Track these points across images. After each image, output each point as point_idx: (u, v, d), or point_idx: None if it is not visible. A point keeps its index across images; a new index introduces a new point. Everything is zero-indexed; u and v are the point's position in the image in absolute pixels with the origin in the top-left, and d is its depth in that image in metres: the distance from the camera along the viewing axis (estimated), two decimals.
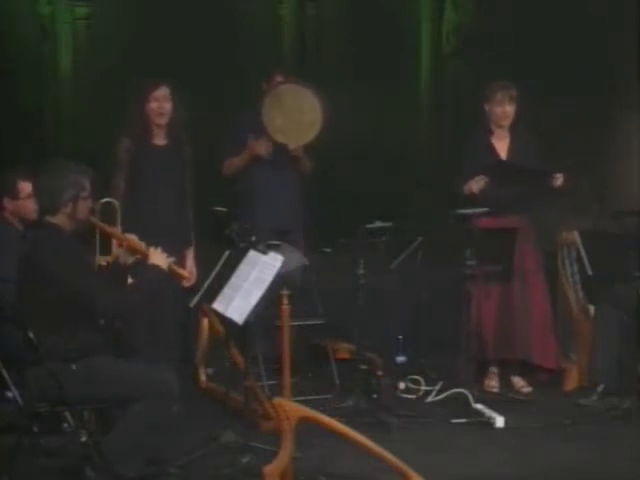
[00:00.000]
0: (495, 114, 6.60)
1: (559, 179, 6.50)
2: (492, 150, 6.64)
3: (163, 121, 6.10)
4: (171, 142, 6.17)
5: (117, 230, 5.06)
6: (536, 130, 6.78)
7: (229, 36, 10.89)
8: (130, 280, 5.06)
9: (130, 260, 4.97)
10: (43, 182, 4.86)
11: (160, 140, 6.17)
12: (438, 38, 11.02)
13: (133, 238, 4.97)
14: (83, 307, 4.61)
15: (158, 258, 4.84)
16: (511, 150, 6.64)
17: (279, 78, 6.84)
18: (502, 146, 6.66)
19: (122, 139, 6.08)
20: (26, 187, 5.90)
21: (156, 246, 4.90)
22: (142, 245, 4.93)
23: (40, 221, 4.86)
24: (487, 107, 6.62)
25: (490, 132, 6.65)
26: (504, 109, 6.58)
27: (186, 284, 6.16)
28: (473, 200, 6.47)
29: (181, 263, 6.21)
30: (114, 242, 5.52)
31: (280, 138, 6.67)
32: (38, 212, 4.93)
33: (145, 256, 4.86)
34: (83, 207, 4.82)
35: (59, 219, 4.78)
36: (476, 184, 6.47)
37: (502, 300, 6.58)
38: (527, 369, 6.67)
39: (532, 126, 6.73)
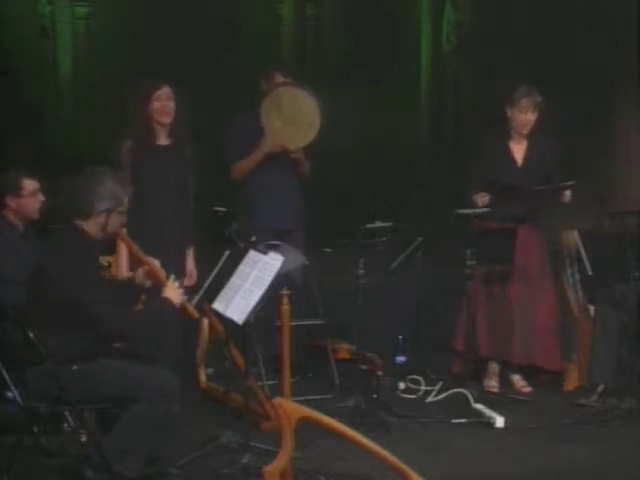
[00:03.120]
0: (517, 120, 6.48)
1: (567, 196, 6.50)
2: (508, 154, 6.56)
3: (167, 120, 6.10)
4: (173, 142, 6.18)
5: (141, 252, 5.03)
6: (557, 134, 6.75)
7: (229, 36, 10.91)
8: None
9: (147, 284, 4.96)
10: (82, 185, 4.80)
11: (163, 140, 6.17)
12: (438, 38, 11.04)
13: (155, 264, 4.95)
14: (85, 318, 4.60)
15: (173, 292, 4.80)
16: (527, 156, 6.57)
17: (278, 77, 6.84)
18: (519, 151, 6.57)
19: (125, 141, 6.08)
20: (29, 185, 5.90)
21: (168, 273, 4.89)
22: (162, 273, 4.91)
23: (67, 221, 4.81)
24: (509, 112, 6.51)
25: (509, 136, 6.58)
26: (527, 117, 6.46)
27: (186, 284, 6.19)
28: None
29: (182, 263, 6.24)
30: (119, 245, 5.52)
31: (279, 140, 6.67)
32: (66, 212, 4.87)
33: (162, 285, 4.85)
34: (115, 220, 4.82)
35: (89, 225, 4.77)
36: (481, 200, 6.46)
37: (501, 301, 6.58)
38: (528, 370, 6.66)
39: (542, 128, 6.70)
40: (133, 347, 5.03)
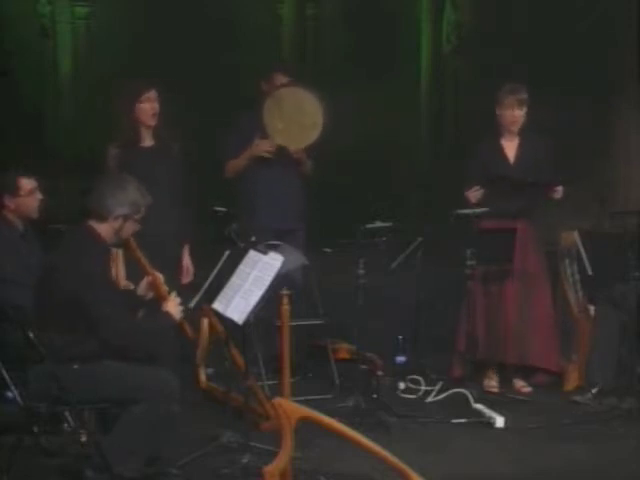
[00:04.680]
0: (504, 118, 6.57)
1: (559, 192, 6.52)
2: (501, 152, 6.62)
3: (153, 122, 6.18)
4: (158, 142, 6.21)
5: (148, 263, 5.04)
6: (546, 131, 6.77)
7: (229, 36, 10.90)
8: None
9: (149, 296, 4.98)
10: (105, 188, 4.85)
11: (147, 142, 6.21)
12: (438, 38, 11.03)
13: (159, 278, 4.97)
14: (88, 321, 4.60)
15: (174, 308, 4.83)
16: (519, 153, 6.62)
17: (279, 77, 6.86)
18: (511, 149, 6.63)
19: (109, 147, 6.13)
20: (27, 184, 5.89)
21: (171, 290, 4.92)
22: (164, 288, 4.94)
23: (82, 222, 4.84)
24: (498, 111, 6.59)
25: (500, 134, 6.64)
26: (513, 113, 6.55)
27: (184, 281, 6.19)
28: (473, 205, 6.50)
29: (178, 261, 6.24)
30: (116, 253, 5.50)
31: (281, 141, 6.68)
32: (83, 212, 4.88)
33: (163, 299, 4.87)
34: (129, 228, 4.86)
35: (103, 228, 4.80)
36: (473, 194, 6.49)
37: (498, 302, 6.58)
38: (527, 370, 6.67)
39: (540, 127, 6.72)
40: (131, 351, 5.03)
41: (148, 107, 6.13)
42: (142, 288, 5.01)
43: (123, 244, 5.00)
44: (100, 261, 4.82)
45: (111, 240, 4.86)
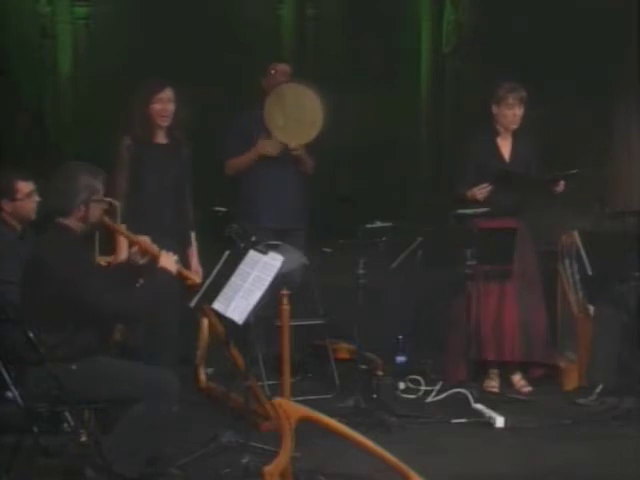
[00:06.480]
0: (505, 117, 6.56)
1: (561, 186, 6.52)
2: (497, 151, 6.62)
3: (165, 123, 6.06)
4: (171, 141, 6.16)
5: (129, 232, 5.03)
6: (536, 130, 6.78)
7: (229, 36, 10.89)
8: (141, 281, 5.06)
9: (142, 261, 4.97)
10: (56, 184, 4.85)
11: (161, 139, 6.15)
12: (438, 38, 11.03)
13: (145, 240, 4.97)
14: (86, 309, 4.60)
15: (168, 262, 4.83)
16: (513, 152, 6.63)
17: (277, 66, 6.87)
18: (506, 147, 6.65)
19: (124, 138, 6.05)
20: (24, 187, 5.86)
21: (162, 248, 4.90)
22: (154, 248, 4.93)
23: (50, 222, 4.85)
24: (495, 109, 6.57)
25: (496, 133, 6.63)
26: (514, 112, 6.54)
27: (193, 284, 6.16)
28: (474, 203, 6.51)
29: (184, 263, 6.22)
30: (119, 242, 5.51)
31: (281, 137, 6.69)
32: (48, 212, 4.89)
33: (156, 259, 4.86)
34: (95, 210, 4.83)
35: (71, 221, 4.79)
36: (480, 192, 6.48)
37: (501, 301, 6.58)
38: (526, 366, 6.68)
39: (532, 126, 6.72)
40: (132, 332, 5.03)
41: (160, 108, 6.01)
42: (134, 256, 4.97)
43: (99, 226, 5.00)
44: (82, 253, 4.82)
45: (83, 228, 4.84)
